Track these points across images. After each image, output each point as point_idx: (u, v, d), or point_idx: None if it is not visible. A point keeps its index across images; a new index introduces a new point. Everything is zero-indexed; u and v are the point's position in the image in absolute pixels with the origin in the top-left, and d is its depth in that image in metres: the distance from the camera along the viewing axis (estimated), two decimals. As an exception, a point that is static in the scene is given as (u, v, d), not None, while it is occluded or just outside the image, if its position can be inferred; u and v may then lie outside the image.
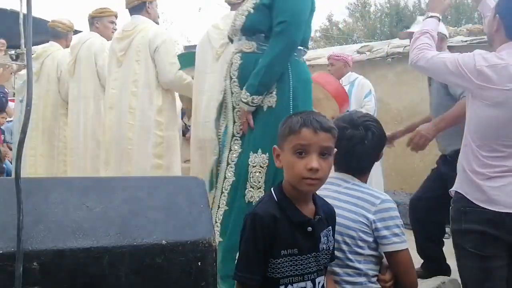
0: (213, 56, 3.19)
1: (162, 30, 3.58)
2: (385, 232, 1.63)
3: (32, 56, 4.86)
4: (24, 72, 5.45)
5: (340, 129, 1.66)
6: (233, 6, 3.25)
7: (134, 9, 3.47)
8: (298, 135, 1.38)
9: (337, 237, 1.61)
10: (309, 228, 1.42)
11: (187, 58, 3.46)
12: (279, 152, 1.46)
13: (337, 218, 1.59)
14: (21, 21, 4.02)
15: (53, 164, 4.18)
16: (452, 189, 2.05)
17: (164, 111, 3.36)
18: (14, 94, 8.70)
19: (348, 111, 3.94)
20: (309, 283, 1.43)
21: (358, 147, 1.73)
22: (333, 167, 1.66)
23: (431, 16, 2.26)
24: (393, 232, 1.64)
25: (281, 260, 1.39)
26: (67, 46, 4.12)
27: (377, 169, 4.29)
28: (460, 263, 2.04)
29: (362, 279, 1.63)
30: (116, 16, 4.15)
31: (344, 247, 1.64)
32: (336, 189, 1.72)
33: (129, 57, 3.36)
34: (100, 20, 4.01)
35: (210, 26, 3.33)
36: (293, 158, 1.39)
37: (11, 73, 5.15)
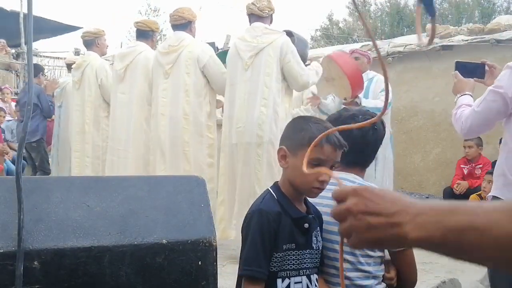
0: (242, 67, 3.57)
1: (207, 46, 4.00)
2: None
3: (72, 66, 5.08)
4: (62, 80, 5.88)
5: (349, 120, 1.66)
6: (256, 18, 3.58)
7: (179, 26, 3.88)
8: (319, 149, 1.41)
9: None
10: (306, 225, 1.50)
11: (225, 55, 3.86)
12: (287, 154, 1.49)
13: None
14: (21, 20, 4.12)
15: (99, 164, 4.54)
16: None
17: (212, 116, 3.88)
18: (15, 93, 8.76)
19: (358, 97, 3.95)
20: (305, 278, 1.50)
21: (370, 138, 1.72)
22: None
23: (463, 95, 2.20)
24: None
25: (282, 254, 1.46)
26: (152, 47, 4.35)
27: (389, 171, 4.32)
28: (494, 270, 2.01)
29: (371, 282, 1.62)
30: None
31: (357, 250, 1.61)
32: None
33: (177, 69, 3.77)
34: (155, 35, 4.41)
35: (236, 39, 3.75)
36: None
37: (57, 85, 5.66)
